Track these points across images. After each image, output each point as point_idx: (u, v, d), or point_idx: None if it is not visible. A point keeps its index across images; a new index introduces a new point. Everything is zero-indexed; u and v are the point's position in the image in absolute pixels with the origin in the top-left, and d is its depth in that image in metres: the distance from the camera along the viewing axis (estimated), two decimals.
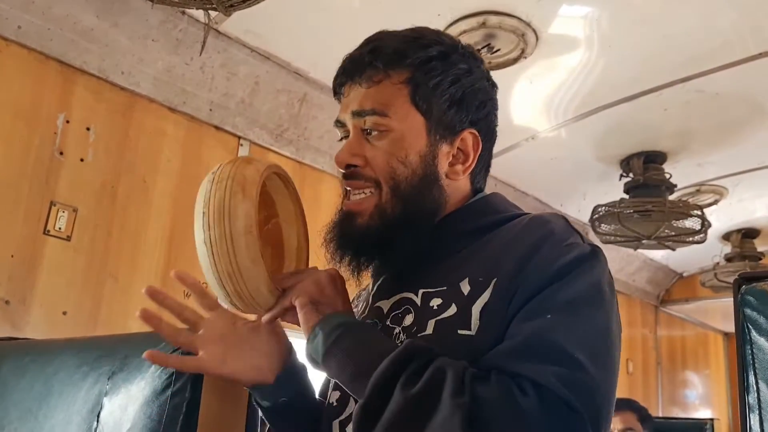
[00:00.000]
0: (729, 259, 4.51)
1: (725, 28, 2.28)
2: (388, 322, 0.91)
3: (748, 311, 0.57)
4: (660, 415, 5.14)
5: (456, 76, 0.94)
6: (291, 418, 0.96)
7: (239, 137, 2.59)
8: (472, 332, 0.80)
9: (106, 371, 1.03)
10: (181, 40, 2.29)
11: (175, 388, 0.92)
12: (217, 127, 2.52)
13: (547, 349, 0.73)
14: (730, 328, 6.43)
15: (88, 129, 2.17)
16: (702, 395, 6.08)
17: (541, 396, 0.70)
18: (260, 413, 0.97)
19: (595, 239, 3.25)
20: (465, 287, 0.84)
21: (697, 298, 5.34)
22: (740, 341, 0.57)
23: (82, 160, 2.14)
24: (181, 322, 0.94)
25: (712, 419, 3.82)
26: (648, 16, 2.24)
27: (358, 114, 0.93)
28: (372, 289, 1.01)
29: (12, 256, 1.96)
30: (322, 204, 2.74)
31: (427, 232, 0.92)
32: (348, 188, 0.94)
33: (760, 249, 4.54)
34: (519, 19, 2.25)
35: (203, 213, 0.82)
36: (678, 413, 5.60)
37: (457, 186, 0.96)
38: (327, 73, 2.14)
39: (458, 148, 0.95)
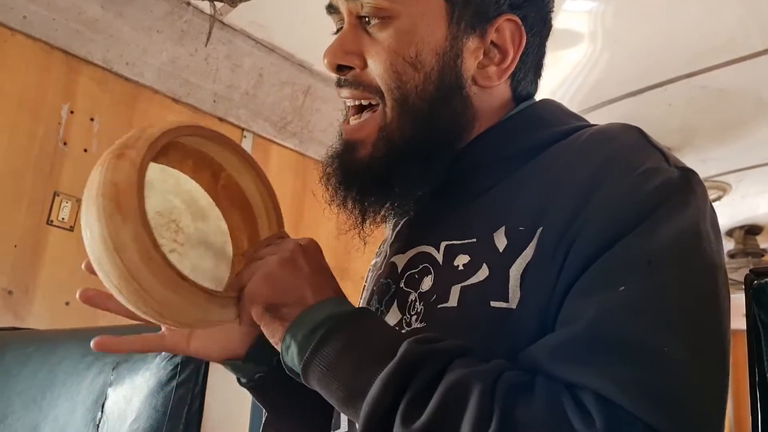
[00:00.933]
0: (732, 255, 4.50)
1: (731, 24, 2.27)
2: (402, 284, 0.69)
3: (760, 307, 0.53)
4: None
5: None
6: (274, 394, 0.78)
7: (243, 129, 2.58)
8: (511, 305, 0.58)
9: (110, 362, 1.03)
10: (185, 31, 2.29)
11: (180, 379, 0.92)
12: (220, 119, 2.51)
13: (619, 342, 0.50)
14: (732, 325, 6.44)
15: (92, 119, 2.17)
16: None
17: (610, 418, 0.47)
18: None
19: None
20: (500, 240, 0.61)
21: None
22: (752, 337, 0.53)
23: (85, 150, 2.14)
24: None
25: None
26: (653, 11, 2.23)
27: None
28: (390, 237, 0.79)
29: (15, 246, 1.96)
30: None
31: (448, 161, 0.69)
32: (344, 100, 0.73)
33: (762, 246, 4.52)
34: None
35: (88, 246, 0.60)
36: None
37: (490, 95, 0.71)
38: None
39: (492, 42, 0.69)
